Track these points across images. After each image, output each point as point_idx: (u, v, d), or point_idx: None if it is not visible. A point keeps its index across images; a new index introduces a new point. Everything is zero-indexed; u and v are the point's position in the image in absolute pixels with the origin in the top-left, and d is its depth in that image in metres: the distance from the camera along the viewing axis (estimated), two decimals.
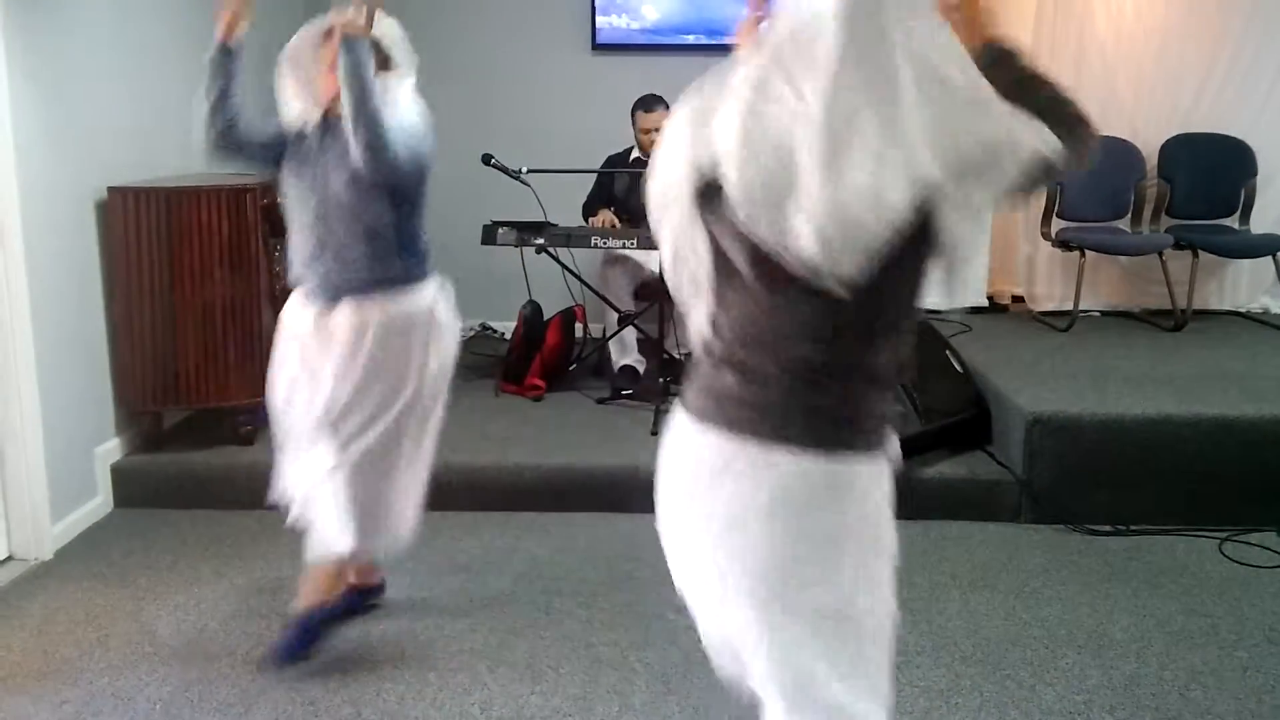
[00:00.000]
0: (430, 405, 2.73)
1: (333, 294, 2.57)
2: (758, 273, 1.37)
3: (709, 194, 1.38)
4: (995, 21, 1.51)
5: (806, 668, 1.42)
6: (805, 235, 1.27)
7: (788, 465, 1.38)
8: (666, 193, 1.46)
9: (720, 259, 1.42)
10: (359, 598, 2.90)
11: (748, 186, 1.30)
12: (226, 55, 2.57)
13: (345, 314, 2.56)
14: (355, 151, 2.47)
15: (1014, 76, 1.43)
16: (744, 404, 1.41)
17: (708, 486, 1.43)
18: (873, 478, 1.43)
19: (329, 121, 2.60)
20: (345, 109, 2.47)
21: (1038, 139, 1.31)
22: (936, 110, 1.26)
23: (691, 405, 1.48)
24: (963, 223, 1.30)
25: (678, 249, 1.46)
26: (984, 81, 1.33)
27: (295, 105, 2.63)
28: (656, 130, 4.65)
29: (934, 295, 1.39)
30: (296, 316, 2.67)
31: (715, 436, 1.42)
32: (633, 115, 4.72)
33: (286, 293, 3.99)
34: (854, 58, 1.27)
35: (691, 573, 1.51)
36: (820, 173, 1.24)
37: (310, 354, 2.61)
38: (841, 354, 1.38)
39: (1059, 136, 1.33)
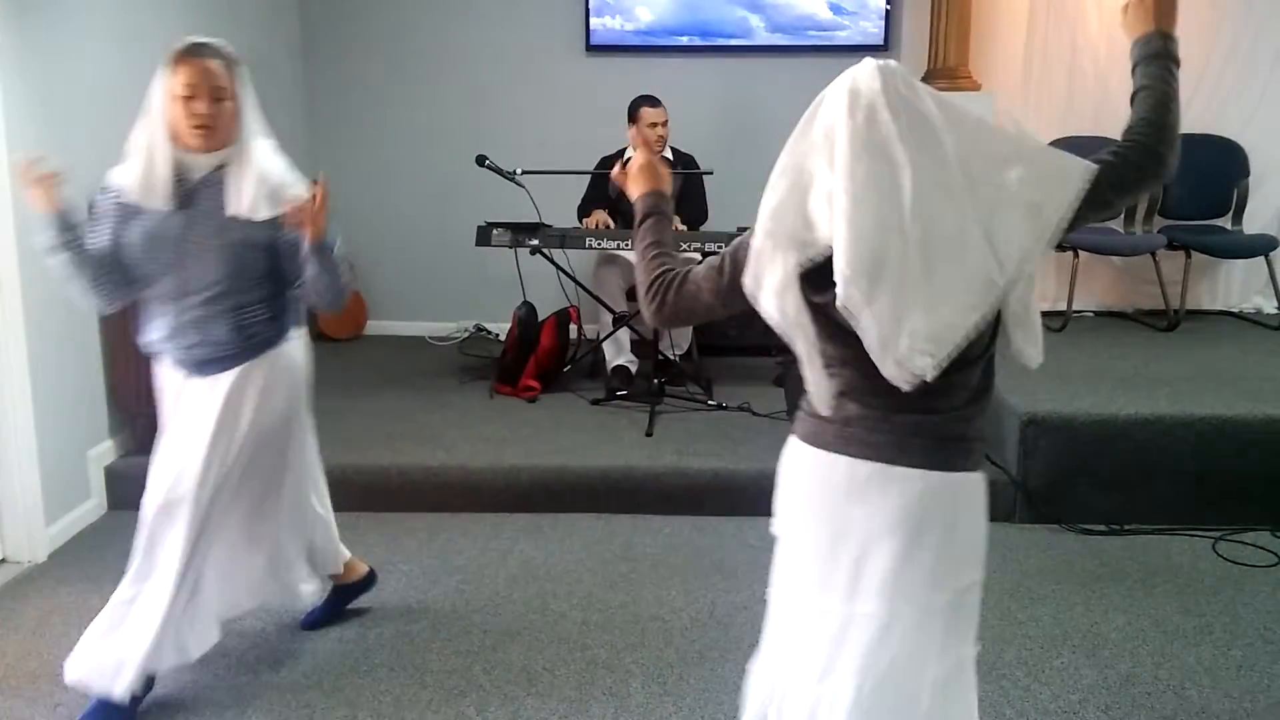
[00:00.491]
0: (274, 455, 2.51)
1: (200, 368, 2.38)
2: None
3: (813, 274, 1.51)
4: (1172, 14, 1.76)
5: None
6: (905, 347, 1.45)
7: (913, 482, 1.57)
8: (762, 258, 1.56)
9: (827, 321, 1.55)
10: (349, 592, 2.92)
11: (852, 283, 1.44)
12: (64, 223, 2.28)
13: (219, 385, 2.37)
14: (313, 307, 2.46)
15: (1159, 88, 1.77)
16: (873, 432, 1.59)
17: (850, 502, 1.59)
18: (977, 484, 1.65)
19: (188, 189, 2.30)
20: (318, 295, 2.38)
21: (1075, 190, 1.52)
22: (996, 216, 1.47)
23: (819, 437, 1.63)
24: (1027, 293, 1.52)
25: (783, 310, 1.55)
26: (1021, 165, 1.51)
27: (141, 167, 2.26)
28: (663, 124, 4.66)
29: (1025, 355, 1.60)
30: (168, 380, 2.46)
31: (845, 460, 1.59)
32: (634, 112, 4.72)
33: None
34: (920, 161, 1.45)
35: (821, 577, 1.63)
36: (923, 293, 1.44)
37: (178, 421, 2.43)
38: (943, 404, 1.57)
39: (1152, 147, 1.68)
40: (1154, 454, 3.53)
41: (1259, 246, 4.95)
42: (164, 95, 2.25)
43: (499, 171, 4.40)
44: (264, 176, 2.32)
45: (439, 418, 4.22)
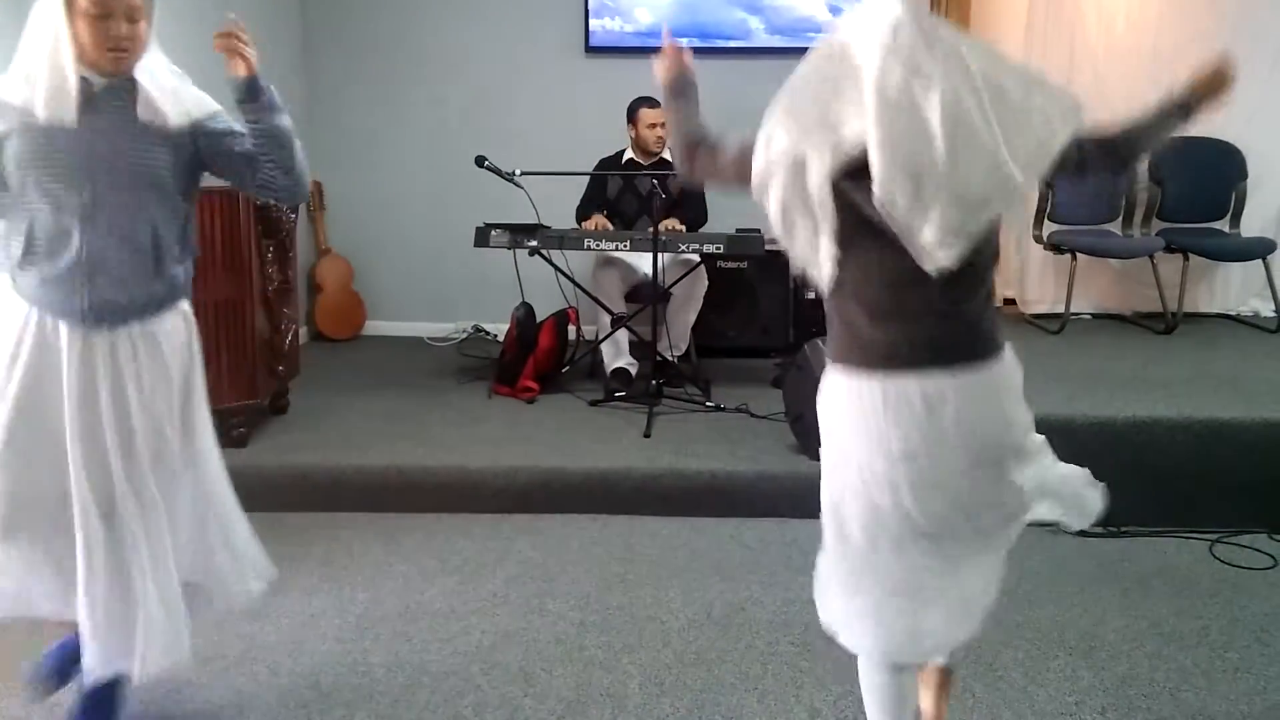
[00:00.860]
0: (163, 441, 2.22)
1: (95, 317, 2.08)
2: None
3: (854, 171, 1.65)
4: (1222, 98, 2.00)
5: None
6: (932, 223, 1.62)
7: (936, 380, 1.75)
8: (771, 166, 1.72)
9: (853, 216, 1.69)
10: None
11: (888, 174, 1.60)
12: None
13: (120, 344, 2.11)
14: (276, 191, 2.20)
15: (1160, 130, 1.93)
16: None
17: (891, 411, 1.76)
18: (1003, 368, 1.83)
19: (93, 93, 2.07)
20: (273, 163, 2.17)
21: (1069, 128, 1.69)
22: (1004, 120, 1.62)
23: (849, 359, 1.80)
24: (1022, 207, 1.71)
25: (787, 211, 1.72)
26: (1027, 79, 1.68)
27: (46, 78, 2.03)
28: (662, 125, 4.67)
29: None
30: (30, 343, 2.09)
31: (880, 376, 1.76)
32: (633, 113, 4.73)
33: (280, 295, 4.05)
34: (948, 69, 1.61)
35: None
36: (947, 178, 1.60)
37: (56, 393, 2.08)
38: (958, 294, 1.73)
39: (1124, 158, 1.89)
40: (1151, 456, 3.54)
41: (1257, 250, 4.96)
42: (64, 12, 2.01)
43: (498, 172, 4.41)
44: (174, 88, 2.15)
45: (437, 418, 4.22)
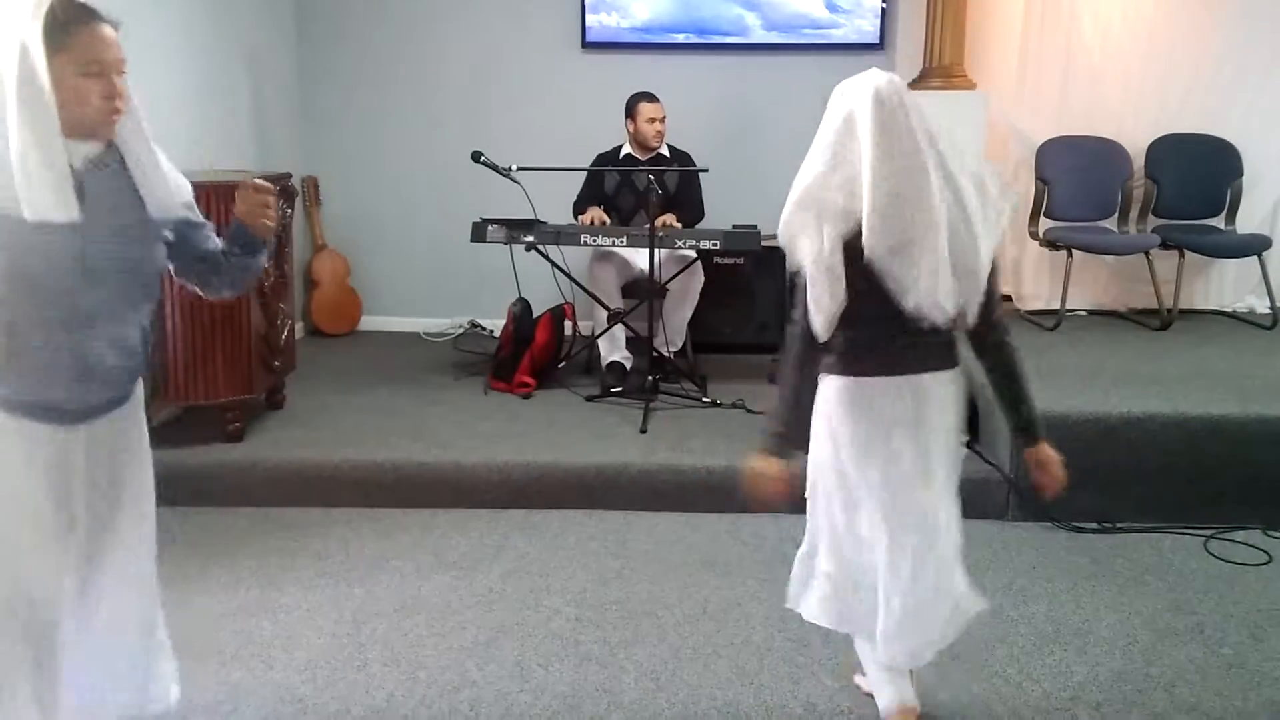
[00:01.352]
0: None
1: (81, 415, 1.87)
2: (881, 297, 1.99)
3: (852, 242, 1.97)
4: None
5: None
6: (926, 301, 1.96)
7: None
8: (794, 226, 2.05)
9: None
10: None
11: (879, 249, 1.94)
12: None
13: (104, 434, 1.93)
14: (210, 293, 2.05)
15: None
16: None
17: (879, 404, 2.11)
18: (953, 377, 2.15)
19: (80, 174, 1.76)
20: (229, 281, 2.04)
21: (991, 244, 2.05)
22: (975, 224, 1.99)
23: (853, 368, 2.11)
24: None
25: (815, 270, 2.02)
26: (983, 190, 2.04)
27: (35, 169, 1.67)
28: (661, 120, 4.67)
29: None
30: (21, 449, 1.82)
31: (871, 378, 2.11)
32: (632, 108, 4.72)
33: (276, 291, 4.04)
34: (936, 161, 1.96)
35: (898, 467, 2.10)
36: (941, 259, 1.94)
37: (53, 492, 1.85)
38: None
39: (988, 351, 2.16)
40: (1146, 452, 3.54)
41: (1252, 246, 4.96)
42: (49, 74, 1.66)
43: (494, 168, 4.40)
44: (164, 166, 1.88)
45: (433, 413, 4.22)
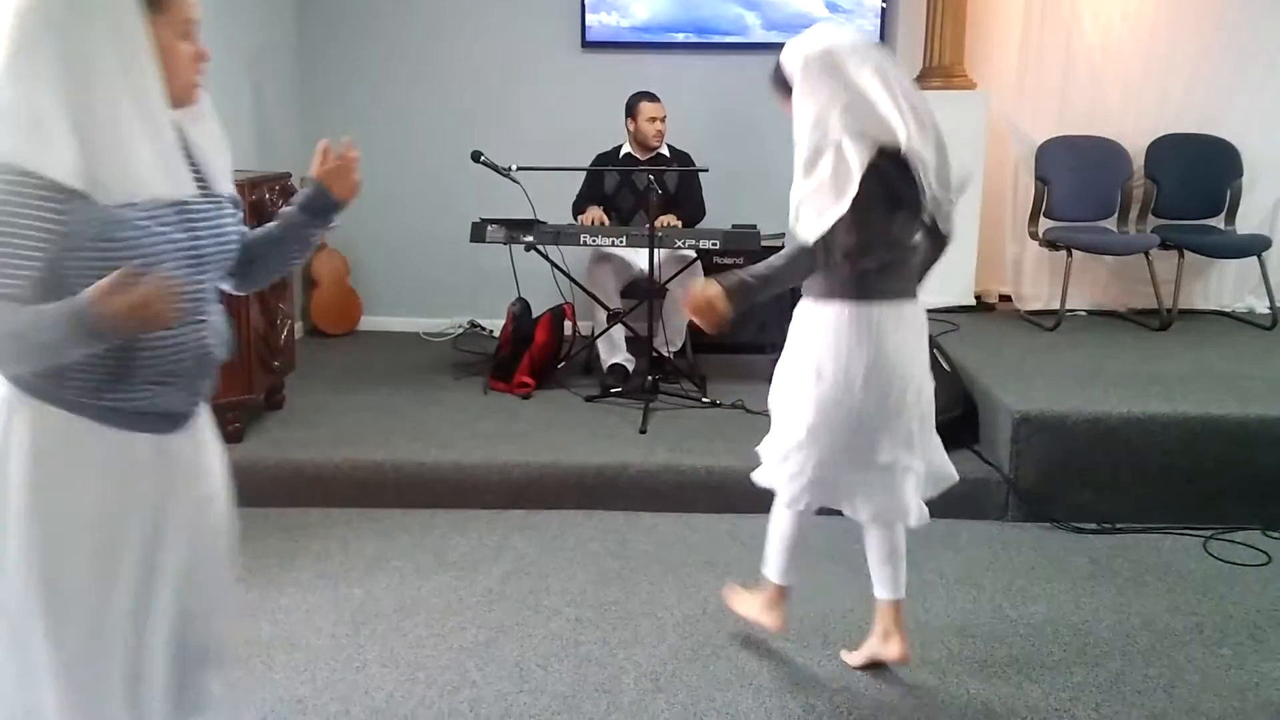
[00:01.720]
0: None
1: (185, 416, 1.75)
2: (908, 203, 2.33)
3: (888, 152, 2.27)
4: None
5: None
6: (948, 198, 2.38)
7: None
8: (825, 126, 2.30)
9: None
10: None
11: (923, 157, 2.29)
12: None
13: (205, 434, 1.85)
14: (242, 287, 1.90)
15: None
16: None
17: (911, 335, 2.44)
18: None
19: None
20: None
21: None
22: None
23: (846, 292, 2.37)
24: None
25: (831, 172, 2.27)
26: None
27: (149, 147, 1.50)
28: (661, 120, 4.67)
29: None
30: (123, 454, 1.62)
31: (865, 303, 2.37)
32: (633, 108, 4.72)
33: (275, 289, 4.04)
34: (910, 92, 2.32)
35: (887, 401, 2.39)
36: (949, 168, 2.35)
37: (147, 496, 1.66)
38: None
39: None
40: (1146, 453, 3.54)
41: (1252, 246, 4.96)
42: (148, 37, 1.49)
43: (494, 168, 4.40)
44: (222, 138, 1.71)
45: (433, 414, 4.22)
